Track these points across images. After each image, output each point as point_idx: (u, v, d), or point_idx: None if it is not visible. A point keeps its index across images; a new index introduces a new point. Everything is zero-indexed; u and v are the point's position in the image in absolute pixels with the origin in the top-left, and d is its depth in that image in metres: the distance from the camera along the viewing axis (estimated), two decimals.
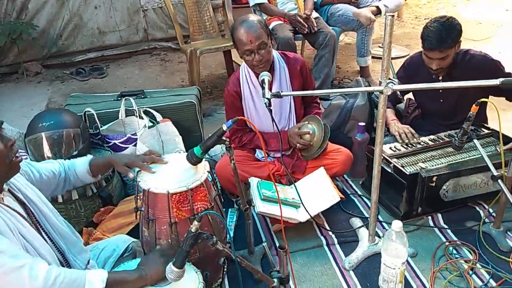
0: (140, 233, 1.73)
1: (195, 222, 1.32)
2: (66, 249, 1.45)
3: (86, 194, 2.14)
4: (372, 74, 3.99)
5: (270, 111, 1.74)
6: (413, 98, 2.75)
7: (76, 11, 4.49)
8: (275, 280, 1.46)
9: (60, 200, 2.08)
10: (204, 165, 1.69)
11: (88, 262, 1.54)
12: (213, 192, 1.72)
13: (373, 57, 4.52)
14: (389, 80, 1.59)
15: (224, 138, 1.62)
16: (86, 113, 2.46)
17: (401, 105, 2.80)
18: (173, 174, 1.63)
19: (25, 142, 2.16)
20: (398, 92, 2.20)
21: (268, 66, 2.22)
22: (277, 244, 2.02)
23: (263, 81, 1.87)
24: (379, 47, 4.73)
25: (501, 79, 1.40)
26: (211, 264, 1.74)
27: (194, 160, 1.63)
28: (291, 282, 1.83)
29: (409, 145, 2.34)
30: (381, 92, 1.61)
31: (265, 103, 1.73)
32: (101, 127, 2.47)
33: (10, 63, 4.40)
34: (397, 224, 1.66)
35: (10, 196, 1.35)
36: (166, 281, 1.40)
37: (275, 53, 2.35)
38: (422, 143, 2.35)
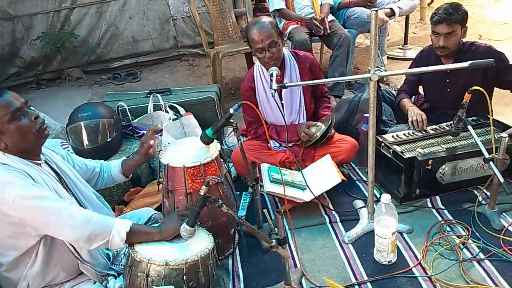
0: (162, 204, 2.00)
1: (203, 187, 1.58)
2: None
3: None
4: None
5: (278, 103, 1.96)
6: (422, 92, 2.92)
7: (112, 21, 4.92)
8: (274, 240, 1.68)
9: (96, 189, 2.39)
10: (216, 145, 1.95)
11: None
12: (223, 169, 1.98)
13: (392, 58, 4.69)
14: (377, 68, 1.79)
15: (232, 121, 1.87)
16: (119, 107, 2.79)
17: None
18: (188, 151, 1.91)
19: (67, 131, 2.50)
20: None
21: (279, 63, 2.46)
22: (285, 223, 2.24)
23: (271, 75, 2.11)
24: (399, 48, 4.87)
25: (470, 62, 1.57)
26: (223, 233, 2.00)
27: (207, 140, 1.90)
28: (294, 253, 2.06)
29: (412, 134, 2.50)
30: (370, 79, 1.82)
31: (272, 94, 1.96)
32: (132, 119, 2.79)
33: (54, 70, 4.87)
34: (385, 197, 1.85)
35: (46, 166, 1.65)
36: (181, 239, 1.65)
37: (286, 52, 2.59)
38: (423, 132, 2.51)
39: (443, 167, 2.25)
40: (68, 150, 2.50)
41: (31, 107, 1.61)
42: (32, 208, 1.45)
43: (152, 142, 1.94)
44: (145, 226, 1.73)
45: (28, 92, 4.62)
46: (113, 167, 1.99)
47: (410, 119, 2.58)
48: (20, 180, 1.46)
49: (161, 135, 2.72)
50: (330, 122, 2.48)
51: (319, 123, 2.54)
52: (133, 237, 1.59)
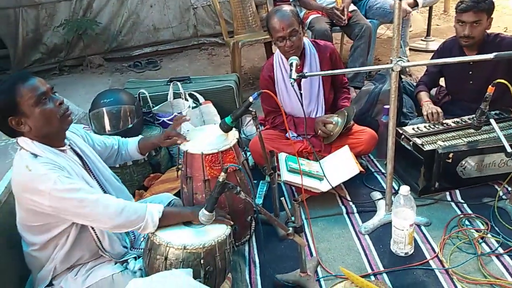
0: (181, 190, 2.03)
1: (222, 173, 1.59)
2: (115, 195, 1.77)
3: (138, 161, 2.49)
4: (412, 67, 4.07)
5: (297, 93, 1.96)
6: (444, 85, 2.87)
7: (134, 9, 4.96)
8: (290, 228, 1.69)
9: (117, 165, 2.44)
10: (234, 133, 1.96)
11: None
12: (241, 157, 2.00)
13: (414, 50, 4.61)
14: (399, 58, 1.77)
15: (251, 109, 1.88)
16: (140, 94, 2.83)
17: (432, 91, 2.91)
18: (207, 139, 1.94)
19: (89, 116, 2.55)
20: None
21: (299, 52, 2.44)
22: (302, 212, 2.26)
23: (291, 64, 2.10)
24: (422, 40, 4.78)
25: (494, 54, 1.54)
26: (240, 220, 2.02)
27: (226, 128, 1.91)
28: (310, 242, 2.07)
29: (433, 126, 2.47)
30: (392, 69, 1.80)
31: (291, 83, 1.95)
32: (153, 107, 2.83)
33: (76, 57, 4.96)
34: (404, 189, 1.84)
35: (71, 151, 1.68)
36: (200, 224, 1.68)
37: (307, 41, 2.57)
38: (444, 124, 2.47)
39: (464, 161, 2.22)
40: (90, 131, 2.56)
41: (56, 93, 1.65)
42: (68, 201, 1.49)
43: (178, 140, 1.95)
44: (176, 207, 1.78)
45: (51, 78, 4.72)
46: (130, 144, 2.01)
47: (425, 112, 2.56)
48: (54, 173, 1.48)
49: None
50: (346, 115, 2.46)
51: (335, 118, 2.52)
52: (166, 220, 1.64)
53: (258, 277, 1.92)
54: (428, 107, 2.58)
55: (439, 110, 2.54)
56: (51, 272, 1.65)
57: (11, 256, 1.73)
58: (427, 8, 4.57)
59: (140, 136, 2.06)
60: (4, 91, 1.50)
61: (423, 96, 2.69)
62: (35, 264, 1.69)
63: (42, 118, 1.54)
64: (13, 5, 4.55)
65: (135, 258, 1.73)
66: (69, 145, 1.69)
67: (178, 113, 2.77)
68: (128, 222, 1.56)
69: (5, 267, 1.73)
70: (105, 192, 1.74)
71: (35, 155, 1.53)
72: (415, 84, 3.02)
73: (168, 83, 3.00)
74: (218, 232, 1.66)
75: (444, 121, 2.49)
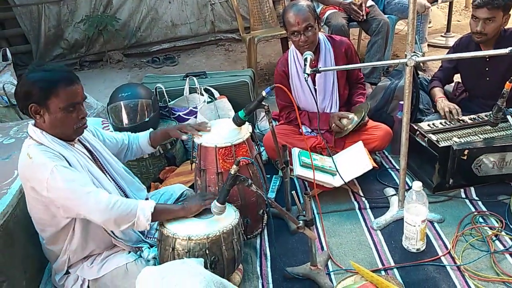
0: (195, 182, 2.07)
1: (234, 166, 1.63)
2: (127, 188, 1.82)
3: (154, 154, 2.54)
4: (430, 63, 4.02)
5: (311, 88, 1.96)
6: (461, 81, 2.83)
7: (152, 5, 5.03)
8: (301, 222, 1.71)
9: (127, 160, 2.49)
10: (247, 127, 1.99)
11: (147, 199, 1.90)
12: (254, 151, 2.02)
13: (433, 46, 4.54)
14: (413, 53, 1.76)
15: (264, 104, 1.90)
16: (157, 89, 2.88)
17: (449, 87, 2.87)
18: (221, 132, 1.97)
19: (107, 110, 2.61)
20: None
21: (313, 47, 2.45)
22: (313, 206, 2.27)
23: (305, 59, 2.10)
24: (441, 36, 4.70)
25: (510, 48, 1.52)
26: (252, 213, 2.05)
27: (239, 122, 1.94)
28: (321, 236, 2.09)
29: (449, 123, 2.44)
30: (406, 64, 1.79)
31: (305, 78, 1.96)
32: (169, 101, 2.88)
33: (96, 52, 5.06)
34: (417, 184, 1.83)
35: (79, 145, 1.72)
36: (211, 215, 1.72)
37: (322, 36, 2.57)
38: (461, 121, 2.44)
39: (480, 158, 2.19)
40: (108, 129, 2.63)
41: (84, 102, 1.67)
42: (62, 190, 1.52)
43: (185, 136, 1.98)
44: (169, 204, 1.81)
45: None
46: (142, 138, 2.03)
47: (441, 111, 2.52)
48: (52, 162, 1.51)
49: (195, 117, 2.80)
50: (363, 113, 2.45)
51: (351, 115, 2.51)
52: (158, 216, 1.66)
53: (269, 270, 1.94)
54: (444, 103, 2.55)
55: (457, 106, 2.51)
56: (66, 263, 1.71)
57: (33, 242, 1.81)
58: (448, 3, 4.49)
59: (150, 130, 2.09)
60: (46, 81, 1.53)
61: (437, 92, 2.66)
62: (50, 255, 1.76)
63: (60, 121, 1.58)
64: (36, 2, 4.67)
65: (149, 247, 1.78)
66: (78, 139, 1.72)
67: (194, 108, 2.81)
68: (119, 218, 1.57)
69: (27, 253, 1.81)
70: (117, 185, 1.78)
71: (40, 143, 1.57)
72: None
73: (184, 78, 3.04)
74: (225, 222, 1.69)
75: (461, 118, 2.46)
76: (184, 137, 2.00)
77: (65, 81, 1.55)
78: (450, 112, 2.49)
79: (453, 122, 2.44)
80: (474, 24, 2.37)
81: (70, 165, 1.58)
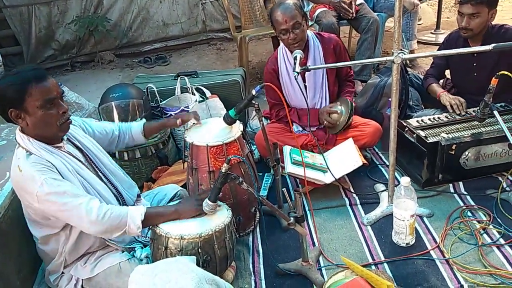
0: (187, 181, 2.09)
1: (225, 164, 1.64)
2: (119, 185, 1.82)
3: (146, 154, 2.55)
4: (420, 60, 4.06)
5: (301, 86, 1.98)
6: (449, 77, 2.87)
7: (143, 5, 5.02)
8: (292, 218, 1.73)
9: (125, 158, 2.51)
10: (238, 126, 2.01)
11: (139, 196, 1.92)
12: (245, 150, 2.04)
13: (423, 43, 4.58)
14: (400, 51, 1.79)
15: (254, 102, 1.92)
16: (149, 89, 2.89)
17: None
18: (212, 131, 1.99)
19: (99, 110, 2.62)
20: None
21: (303, 45, 2.47)
22: (305, 203, 2.30)
23: (295, 58, 2.13)
24: (431, 33, 4.75)
25: (493, 44, 1.55)
26: (244, 211, 2.07)
27: (229, 121, 1.96)
28: (313, 232, 2.11)
29: (437, 119, 2.47)
30: (393, 61, 1.82)
31: (295, 77, 1.99)
32: (160, 101, 2.89)
33: (87, 53, 5.05)
34: (405, 180, 1.87)
35: (69, 144, 1.71)
36: (202, 215, 1.73)
37: (310, 33, 2.59)
38: (448, 117, 2.48)
39: (467, 152, 2.23)
40: None
41: (64, 97, 1.66)
42: (52, 204, 1.53)
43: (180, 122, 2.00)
44: (161, 208, 1.81)
45: (63, 74, 4.83)
46: (135, 128, 2.03)
47: (447, 105, 2.54)
48: (41, 175, 1.51)
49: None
50: (350, 107, 2.48)
51: (338, 107, 2.54)
52: (149, 221, 1.67)
53: (262, 266, 1.97)
54: (449, 97, 2.56)
55: (461, 99, 2.53)
56: (62, 265, 1.72)
57: (26, 243, 1.82)
58: (437, 0, 4.53)
59: (143, 120, 2.09)
60: (15, 84, 1.52)
61: (437, 87, 2.69)
62: (44, 257, 1.77)
63: (42, 121, 1.56)
64: (26, 3, 4.65)
65: (142, 247, 1.80)
66: (67, 139, 1.71)
67: (185, 107, 2.82)
68: (110, 227, 1.59)
69: (21, 253, 1.82)
70: (110, 183, 1.78)
71: (29, 153, 1.57)
72: (421, 77, 3.03)
73: (176, 78, 3.05)
74: (217, 221, 1.71)
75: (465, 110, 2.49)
76: (179, 122, 1.99)
77: (35, 79, 1.54)
78: (457, 105, 2.49)
79: (441, 118, 2.47)
80: (460, 20, 2.42)
81: (59, 172, 1.57)
